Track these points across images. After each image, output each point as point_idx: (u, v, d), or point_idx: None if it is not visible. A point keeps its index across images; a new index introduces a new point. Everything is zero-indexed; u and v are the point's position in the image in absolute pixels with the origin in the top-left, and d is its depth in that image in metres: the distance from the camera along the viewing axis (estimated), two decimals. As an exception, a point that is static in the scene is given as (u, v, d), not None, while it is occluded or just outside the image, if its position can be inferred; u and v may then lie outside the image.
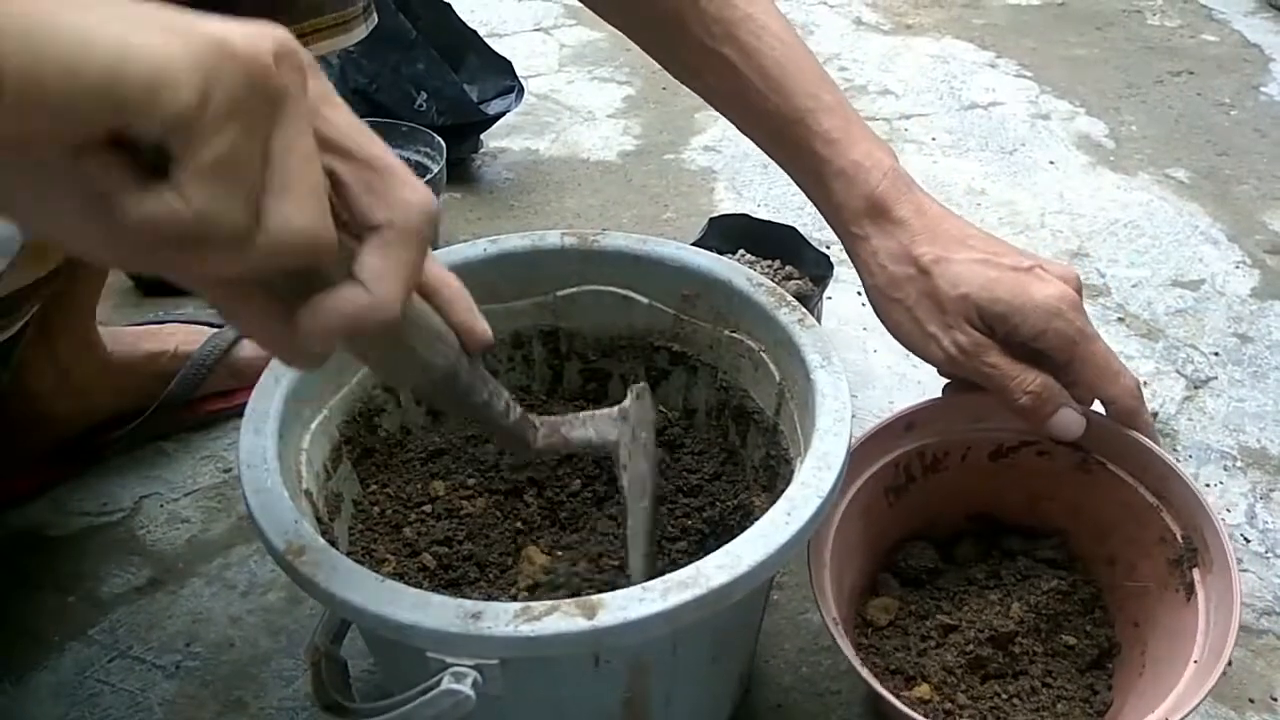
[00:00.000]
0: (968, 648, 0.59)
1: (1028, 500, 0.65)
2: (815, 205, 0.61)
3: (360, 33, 0.52)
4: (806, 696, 0.64)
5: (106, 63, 0.24)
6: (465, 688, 0.42)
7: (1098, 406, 0.59)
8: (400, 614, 0.42)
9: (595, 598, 0.43)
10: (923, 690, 0.59)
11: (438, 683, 0.42)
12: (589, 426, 0.51)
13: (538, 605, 0.43)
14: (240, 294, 0.33)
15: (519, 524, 0.61)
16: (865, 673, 0.52)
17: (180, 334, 0.83)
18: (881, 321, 0.60)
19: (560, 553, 0.59)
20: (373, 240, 0.33)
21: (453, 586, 0.57)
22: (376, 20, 0.54)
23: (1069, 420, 0.57)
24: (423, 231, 0.34)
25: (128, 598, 0.71)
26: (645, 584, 0.44)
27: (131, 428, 0.80)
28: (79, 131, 0.26)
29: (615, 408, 0.53)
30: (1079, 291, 0.57)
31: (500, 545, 0.60)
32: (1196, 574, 0.56)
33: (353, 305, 0.32)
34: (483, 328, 0.43)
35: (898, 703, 0.51)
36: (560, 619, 0.42)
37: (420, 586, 0.56)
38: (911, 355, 0.60)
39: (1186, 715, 0.49)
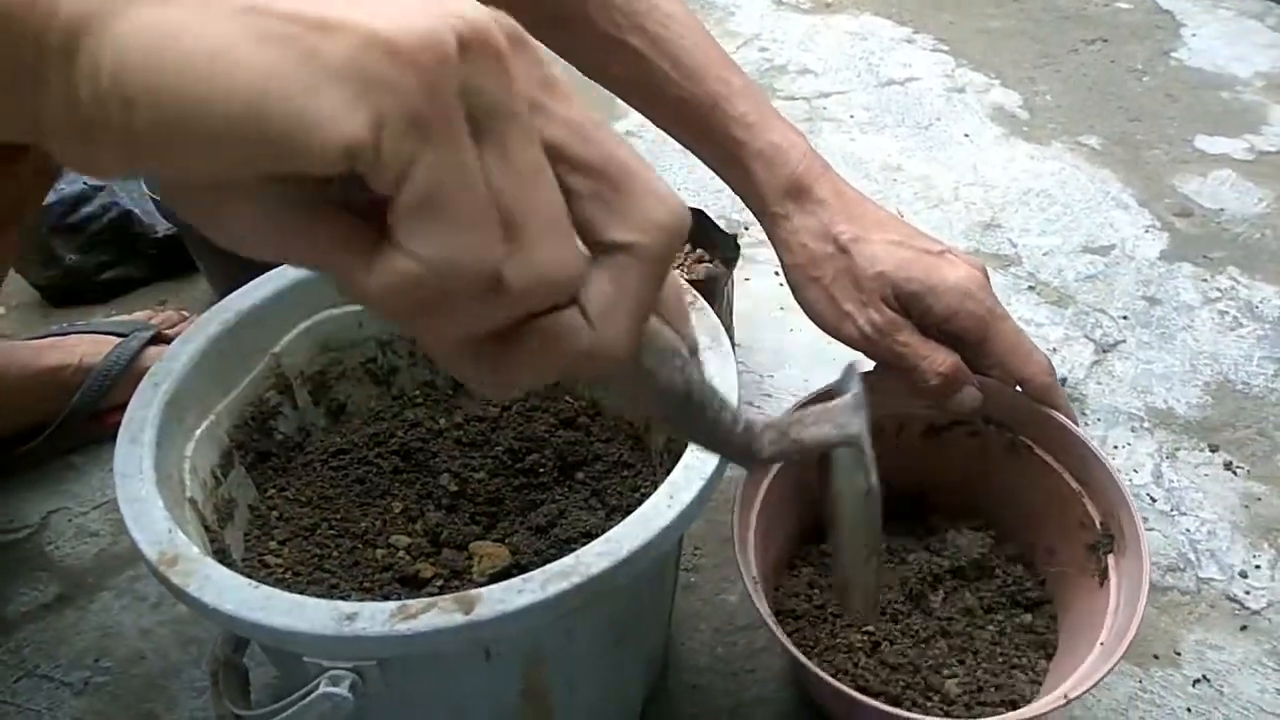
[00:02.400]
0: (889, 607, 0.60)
1: (961, 483, 0.66)
2: (731, 187, 0.62)
3: None
4: (723, 676, 0.65)
5: (246, 98, 0.20)
6: (342, 690, 0.41)
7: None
8: (273, 619, 0.42)
9: (474, 592, 0.43)
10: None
11: (316, 686, 0.42)
12: (823, 423, 0.41)
13: (415, 603, 0.42)
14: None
15: (439, 512, 0.61)
16: (778, 629, 0.52)
17: (84, 345, 0.81)
18: (798, 301, 0.61)
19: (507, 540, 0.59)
20: (607, 265, 0.26)
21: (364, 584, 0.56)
22: None
23: (969, 396, 0.58)
24: (669, 257, 0.27)
25: (35, 615, 0.69)
26: (525, 575, 0.44)
27: (37, 443, 0.78)
28: (243, 173, 0.22)
29: (849, 395, 0.42)
30: (986, 277, 0.59)
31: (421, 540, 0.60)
32: (1111, 560, 0.57)
33: (573, 345, 0.26)
34: (693, 329, 0.36)
35: (810, 664, 0.51)
36: (437, 615, 0.42)
37: (321, 587, 0.56)
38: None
39: (1084, 694, 0.50)
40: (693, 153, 0.63)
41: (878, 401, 0.62)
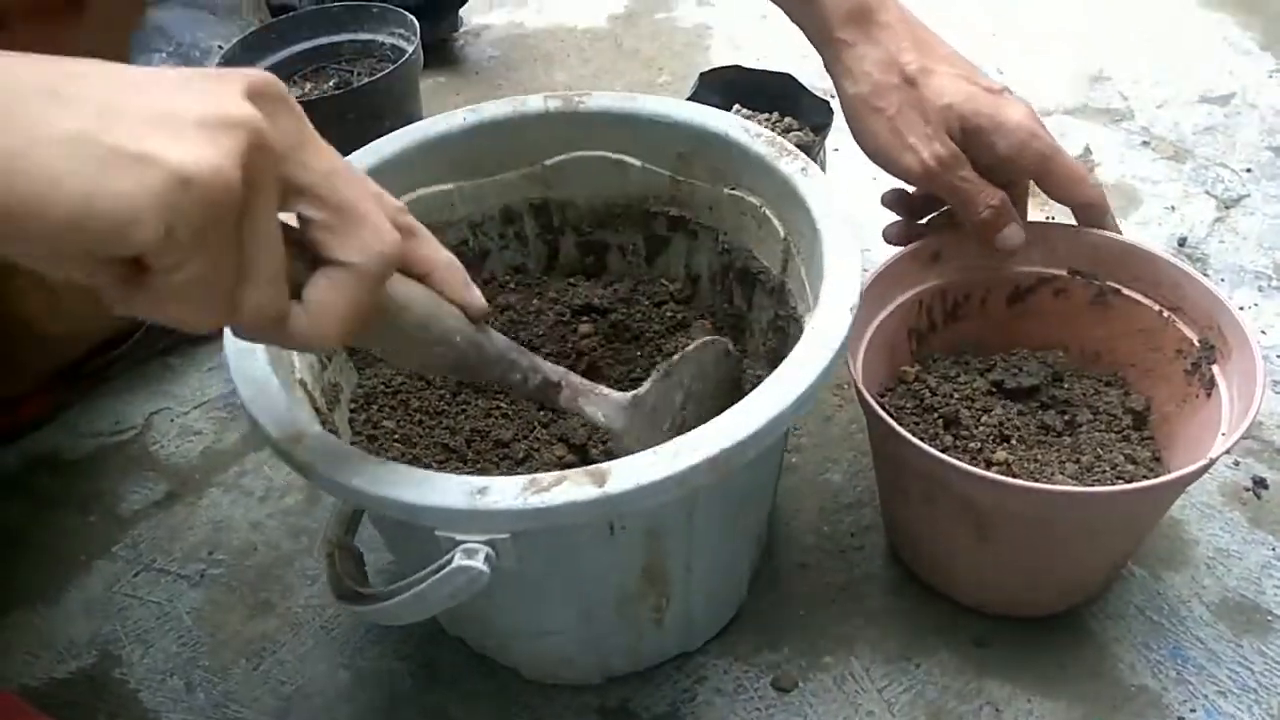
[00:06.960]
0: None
1: (1046, 351, 0.63)
2: (792, 18, 0.59)
3: None
4: (829, 554, 0.63)
5: (71, 207, 0.27)
6: (478, 563, 0.40)
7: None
8: (406, 494, 0.41)
9: (605, 465, 0.41)
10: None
11: (449, 560, 0.41)
12: (599, 407, 0.49)
13: (546, 476, 0.41)
14: None
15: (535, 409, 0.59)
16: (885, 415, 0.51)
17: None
18: (855, 132, 0.59)
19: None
20: (325, 272, 0.35)
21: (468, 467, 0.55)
22: None
23: (1015, 233, 0.59)
24: (378, 274, 0.35)
25: (147, 513, 0.70)
26: (656, 448, 0.42)
27: (131, 344, 0.78)
28: (63, 256, 0.28)
29: (631, 393, 0.50)
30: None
31: (515, 427, 0.58)
32: (1215, 369, 0.56)
33: (288, 331, 0.35)
34: (476, 299, 0.43)
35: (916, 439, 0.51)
36: (570, 488, 0.41)
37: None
38: None
39: (1219, 457, 0.49)
40: None
41: (965, 265, 0.60)
